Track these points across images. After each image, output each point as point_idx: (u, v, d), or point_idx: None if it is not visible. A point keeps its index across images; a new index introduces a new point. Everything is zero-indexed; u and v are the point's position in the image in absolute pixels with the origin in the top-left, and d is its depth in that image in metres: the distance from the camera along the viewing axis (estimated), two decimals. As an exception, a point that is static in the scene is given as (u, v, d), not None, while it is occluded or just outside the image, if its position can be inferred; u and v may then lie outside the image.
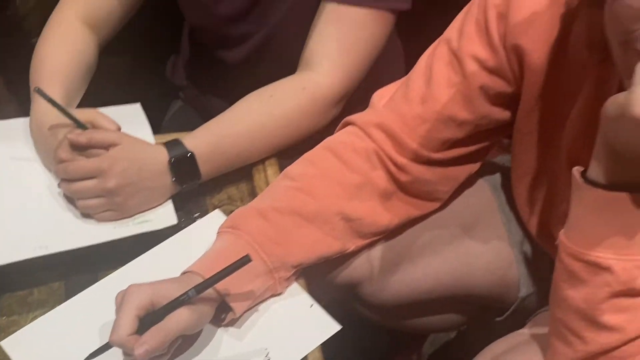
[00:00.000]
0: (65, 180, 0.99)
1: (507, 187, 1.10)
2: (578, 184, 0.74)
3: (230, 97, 1.30)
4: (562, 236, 0.77)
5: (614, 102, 0.67)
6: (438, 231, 1.06)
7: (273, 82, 1.11)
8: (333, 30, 1.10)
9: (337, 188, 0.95)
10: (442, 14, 1.60)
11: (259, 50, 1.24)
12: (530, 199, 1.01)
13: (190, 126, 1.23)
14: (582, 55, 0.82)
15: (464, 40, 0.92)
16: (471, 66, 0.92)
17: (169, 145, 1.02)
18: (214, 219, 1.01)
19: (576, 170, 0.75)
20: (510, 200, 1.09)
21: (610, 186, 0.72)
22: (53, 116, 1.03)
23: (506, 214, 1.09)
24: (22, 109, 1.30)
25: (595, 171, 0.73)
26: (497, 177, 1.14)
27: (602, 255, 0.73)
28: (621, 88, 0.71)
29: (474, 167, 1.04)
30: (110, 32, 1.21)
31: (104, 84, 1.23)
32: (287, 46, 1.20)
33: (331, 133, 1.04)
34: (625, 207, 0.71)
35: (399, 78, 1.38)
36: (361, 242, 0.98)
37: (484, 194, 1.11)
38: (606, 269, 0.72)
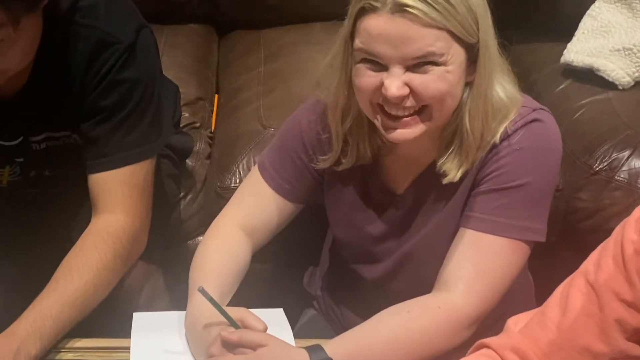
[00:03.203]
0: None
1: None
2: None
3: (362, 310, 1.36)
4: None
5: None
6: None
7: (410, 300, 1.17)
8: (470, 255, 1.16)
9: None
10: (573, 249, 1.66)
11: (396, 268, 1.31)
12: None
13: (322, 334, 1.28)
14: None
15: (601, 273, 0.97)
16: (608, 298, 0.95)
17: (310, 349, 1.08)
18: None
19: None
20: None
21: None
22: (208, 314, 1.12)
23: None
24: (176, 303, 1.41)
25: None
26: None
27: None
28: None
29: None
30: (264, 240, 1.33)
31: (246, 287, 1.33)
32: (422, 266, 1.26)
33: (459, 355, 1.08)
34: None
35: (529, 305, 1.42)
36: None
37: None
38: None
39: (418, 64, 1.08)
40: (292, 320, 1.59)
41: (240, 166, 1.67)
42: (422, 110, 1.12)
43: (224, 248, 1.26)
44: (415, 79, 1.09)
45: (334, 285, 1.49)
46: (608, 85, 1.82)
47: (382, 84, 1.09)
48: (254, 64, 2.03)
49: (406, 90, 1.09)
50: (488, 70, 1.13)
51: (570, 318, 0.98)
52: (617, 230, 0.99)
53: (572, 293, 0.99)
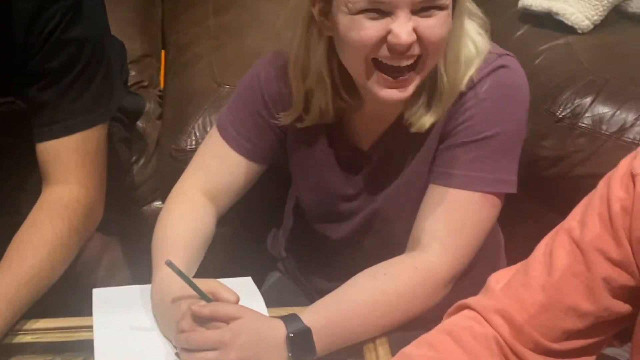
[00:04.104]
0: (185, 350, 1.01)
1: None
2: None
3: (329, 270, 1.34)
4: None
5: None
6: None
7: (385, 261, 1.14)
8: (443, 212, 1.14)
9: (457, 375, 0.94)
10: (538, 198, 1.65)
11: (363, 226, 1.28)
12: None
13: (289, 298, 1.25)
14: None
15: (586, 231, 0.94)
16: (595, 257, 0.93)
17: (286, 319, 1.04)
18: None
19: None
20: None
21: None
22: (176, 287, 1.07)
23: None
24: (136, 275, 1.35)
25: None
26: (609, 368, 1.11)
27: None
28: None
29: (590, 359, 1.02)
30: (228, 203, 1.28)
31: (207, 253, 1.28)
32: (391, 223, 1.24)
33: (436, 313, 1.05)
34: None
35: (500, 259, 1.41)
36: None
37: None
38: None
39: (425, 8, 1.03)
40: (257, 285, 1.56)
41: (196, 127, 1.60)
42: (417, 62, 1.07)
43: (188, 216, 1.21)
44: (422, 23, 1.04)
45: (298, 247, 1.45)
46: (567, 29, 1.80)
47: (386, 34, 1.03)
48: (202, 16, 1.94)
49: (414, 36, 1.03)
50: (462, 16, 1.10)
51: (555, 278, 0.95)
52: (602, 185, 0.96)
53: (556, 251, 0.97)
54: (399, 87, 1.07)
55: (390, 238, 1.23)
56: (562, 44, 1.78)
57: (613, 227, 0.92)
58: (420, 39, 1.04)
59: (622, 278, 0.93)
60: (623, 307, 0.95)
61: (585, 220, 0.95)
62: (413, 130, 1.14)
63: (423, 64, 1.07)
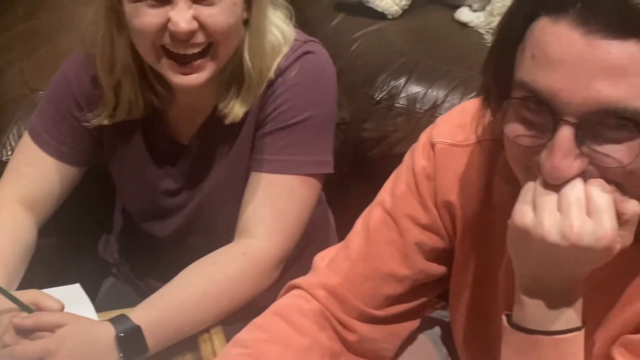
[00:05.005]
0: None
1: (446, 340, 1.14)
2: (505, 328, 0.80)
3: (162, 270, 1.32)
4: None
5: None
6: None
7: (212, 252, 1.14)
8: (266, 198, 1.16)
9: (288, 351, 0.96)
10: (365, 178, 1.71)
11: (189, 222, 1.28)
12: (469, 349, 1.05)
13: (125, 301, 1.23)
14: (505, 200, 0.89)
15: (396, 201, 0.99)
16: (406, 224, 0.98)
17: (114, 321, 1.02)
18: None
19: (505, 314, 0.81)
20: (452, 352, 1.13)
21: (530, 330, 0.78)
22: None
23: (449, 365, 1.13)
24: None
25: (518, 315, 0.79)
26: (437, 330, 1.17)
27: None
28: None
29: (414, 323, 1.07)
30: (49, 211, 1.23)
31: (36, 266, 1.23)
32: (216, 216, 1.25)
33: (270, 297, 1.07)
34: (544, 349, 0.77)
35: (331, 238, 1.45)
36: (314, 404, 0.98)
37: (426, 348, 1.14)
38: None
39: None
40: (93, 293, 1.52)
41: (11, 136, 1.53)
42: (208, 50, 1.08)
43: (6, 228, 1.16)
44: (204, 12, 1.04)
45: (130, 249, 1.43)
46: (379, 15, 1.88)
47: (166, 21, 1.03)
48: (11, 21, 1.86)
49: (195, 25, 1.04)
50: (263, 5, 1.11)
51: (373, 248, 1.00)
52: (407, 157, 1.02)
53: (372, 223, 1.01)
54: (191, 72, 1.08)
55: (217, 233, 1.23)
56: (376, 30, 1.86)
57: (419, 194, 0.97)
58: (203, 27, 1.05)
59: (432, 241, 0.98)
60: (437, 269, 1.01)
61: (395, 191, 1.00)
62: (228, 121, 1.15)
63: (215, 52, 1.08)
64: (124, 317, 1.03)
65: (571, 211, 0.71)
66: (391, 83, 1.71)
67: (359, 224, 1.04)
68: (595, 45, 0.67)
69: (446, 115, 1.01)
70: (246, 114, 1.16)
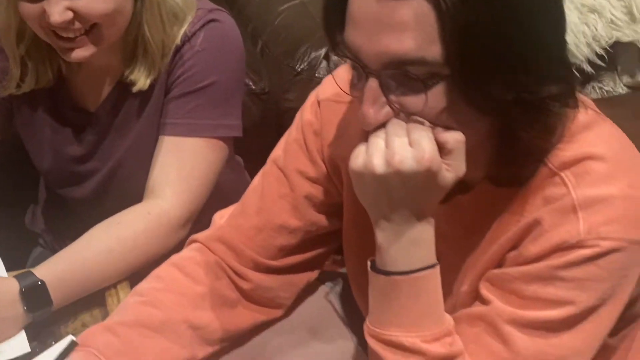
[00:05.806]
0: None
1: (345, 291, 1.19)
2: (370, 274, 0.86)
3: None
4: (366, 320, 0.87)
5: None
6: (287, 336, 1.13)
7: (120, 212, 1.18)
8: (172, 160, 1.20)
9: (183, 299, 1.01)
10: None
11: (103, 186, 1.32)
12: (363, 299, 1.11)
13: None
14: None
15: (288, 157, 1.05)
16: (296, 178, 1.03)
17: (19, 277, 1.06)
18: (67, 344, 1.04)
19: (369, 260, 0.87)
20: (352, 303, 1.18)
21: (388, 272, 0.84)
22: None
23: (347, 314, 1.18)
24: None
25: (378, 259, 0.85)
26: (339, 282, 1.23)
27: (394, 334, 0.83)
28: None
29: (312, 274, 1.12)
30: None
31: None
32: (130, 180, 1.28)
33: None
34: (403, 288, 0.83)
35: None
36: (210, 349, 1.03)
37: (326, 298, 1.19)
38: (398, 345, 0.83)
39: None
40: (21, 263, 1.54)
41: None
42: (91, 30, 1.11)
43: None
44: (78, 2, 1.07)
45: (53, 218, 1.47)
46: (302, -10, 1.93)
47: (43, 12, 1.07)
48: None
49: (69, 15, 1.07)
50: None
51: (266, 202, 1.05)
52: (298, 116, 1.07)
53: (265, 179, 1.06)
54: (79, 47, 1.11)
55: (133, 197, 1.25)
56: (299, 4, 1.91)
57: (308, 149, 1.03)
58: (78, 16, 1.08)
59: (322, 194, 1.04)
60: (328, 221, 1.06)
61: (286, 148, 1.05)
62: (135, 89, 1.19)
63: (99, 32, 1.11)
64: (28, 273, 1.06)
65: (394, 143, 0.78)
66: (312, 54, 1.76)
67: (255, 181, 1.09)
68: (385, 5, 0.74)
69: (332, 74, 1.06)
70: (155, 82, 1.20)
